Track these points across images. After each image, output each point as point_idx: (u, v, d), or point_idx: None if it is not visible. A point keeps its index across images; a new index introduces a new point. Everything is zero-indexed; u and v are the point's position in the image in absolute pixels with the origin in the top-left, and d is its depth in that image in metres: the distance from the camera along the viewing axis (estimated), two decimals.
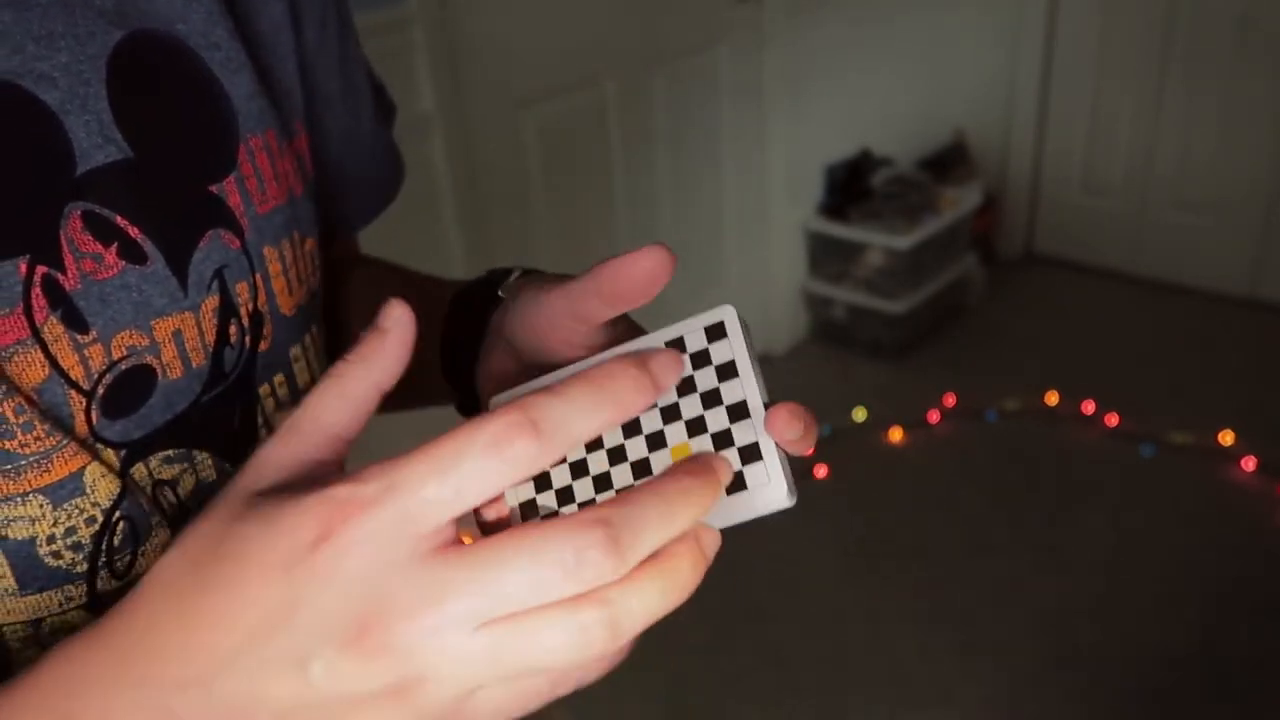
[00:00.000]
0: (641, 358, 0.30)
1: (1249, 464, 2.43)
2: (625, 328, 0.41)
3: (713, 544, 0.31)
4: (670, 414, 0.37)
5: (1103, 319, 3.15)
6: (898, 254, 2.85)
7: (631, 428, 0.37)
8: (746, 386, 0.36)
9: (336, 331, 0.62)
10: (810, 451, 0.35)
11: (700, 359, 0.37)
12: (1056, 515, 2.35)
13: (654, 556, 0.29)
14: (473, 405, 0.51)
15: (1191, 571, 2.16)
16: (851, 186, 2.96)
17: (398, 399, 0.60)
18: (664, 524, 0.29)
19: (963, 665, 1.98)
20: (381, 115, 0.61)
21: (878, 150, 3.06)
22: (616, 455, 0.36)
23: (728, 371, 0.37)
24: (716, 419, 0.36)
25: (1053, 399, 2.70)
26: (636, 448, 0.36)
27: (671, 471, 0.31)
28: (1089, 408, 2.66)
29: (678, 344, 0.38)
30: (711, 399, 0.37)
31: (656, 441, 0.36)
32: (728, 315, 0.37)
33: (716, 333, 0.37)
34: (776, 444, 0.35)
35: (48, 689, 0.31)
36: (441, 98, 1.96)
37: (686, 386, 0.37)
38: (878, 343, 2.93)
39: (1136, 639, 2.01)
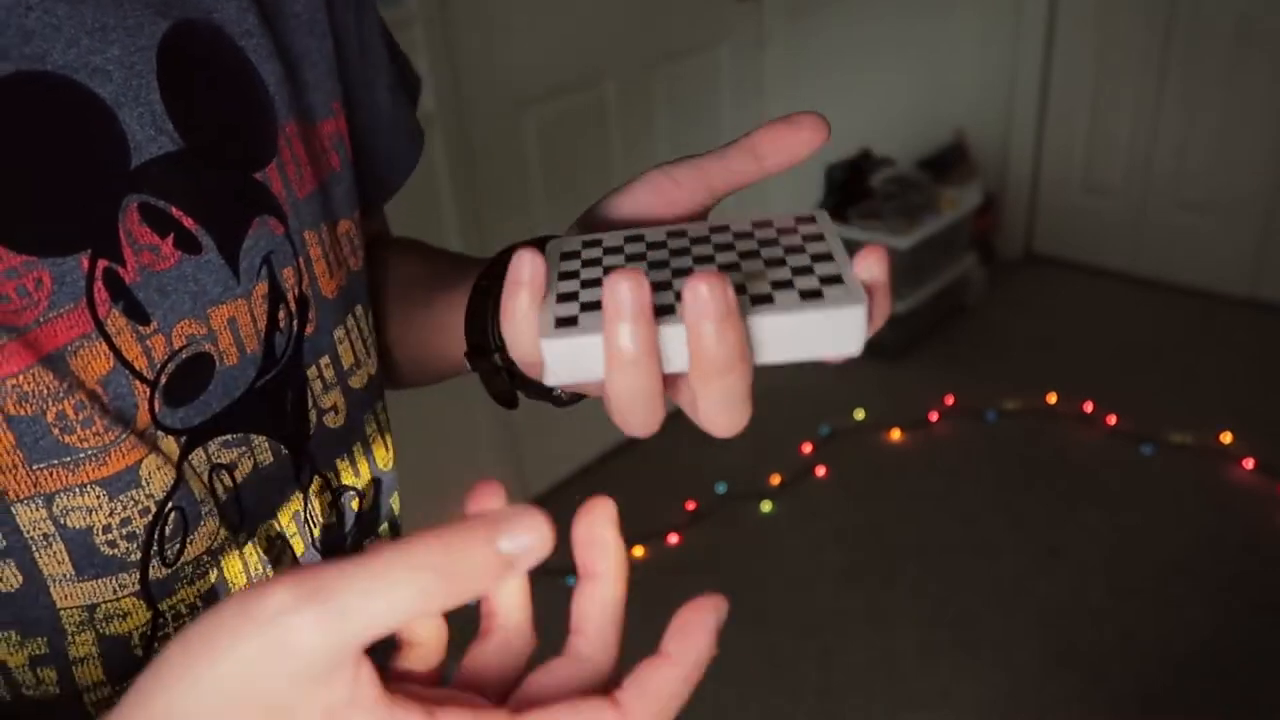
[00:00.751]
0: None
1: (1249, 464, 2.43)
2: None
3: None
4: (749, 254, 0.39)
5: (1103, 319, 3.15)
6: (898, 254, 2.85)
7: (707, 259, 0.38)
8: (833, 245, 0.38)
9: None
10: (883, 317, 0.37)
11: (787, 232, 0.40)
12: (1056, 515, 2.35)
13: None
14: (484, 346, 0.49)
15: (1191, 571, 2.16)
16: (851, 186, 2.95)
17: (428, 364, 0.59)
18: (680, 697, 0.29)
19: (963, 665, 1.98)
20: (403, 89, 0.61)
21: (878, 150, 3.06)
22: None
23: (814, 237, 0.39)
24: (798, 258, 0.38)
25: (1053, 399, 2.70)
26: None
27: (679, 631, 0.30)
28: (1089, 408, 2.66)
29: (765, 223, 0.41)
30: (795, 250, 0.38)
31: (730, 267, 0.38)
32: (819, 214, 0.40)
33: (806, 220, 0.40)
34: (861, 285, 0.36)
35: None
36: (441, 98, 1.96)
37: (770, 244, 0.39)
38: (878, 343, 2.92)
39: (1136, 639, 2.02)
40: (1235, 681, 1.91)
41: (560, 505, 2.51)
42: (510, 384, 0.48)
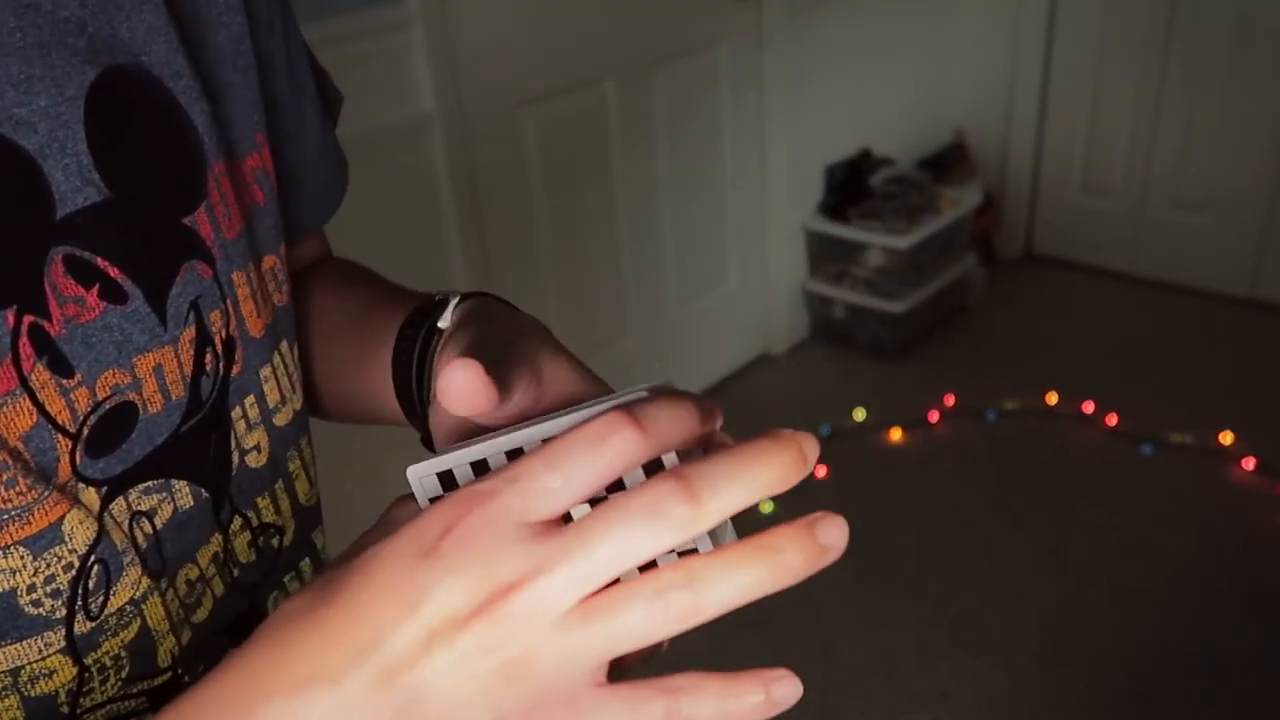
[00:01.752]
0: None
1: (1249, 464, 2.43)
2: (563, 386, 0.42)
3: (836, 536, 0.31)
4: None
5: (1103, 319, 3.15)
6: (898, 254, 2.85)
7: None
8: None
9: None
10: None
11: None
12: (1056, 515, 2.35)
13: (755, 536, 0.30)
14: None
15: (1191, 571, 2.16)
16: (851, 186, 2.95)
17: (357, 415, 0.60)
18: (743, 481, 0.29)
19: (963, 665, 1.98)
20: (326, 109, 0.60)
21: (878, 150, 3.06)
22: None
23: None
24: None
25: (1053, 399, 2.70)
26: None
27: (752, 440, 0.31)
28: (1089, 408, 2.66)
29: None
30: None
31: None
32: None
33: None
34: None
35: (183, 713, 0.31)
36: (441, 98, 1.96)
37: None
38: (878, 343, 2.93)
39: (1136, 639, 2.02)
40: (1235, 681, 1.91)
41: None
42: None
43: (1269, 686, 1.90)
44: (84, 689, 0.43)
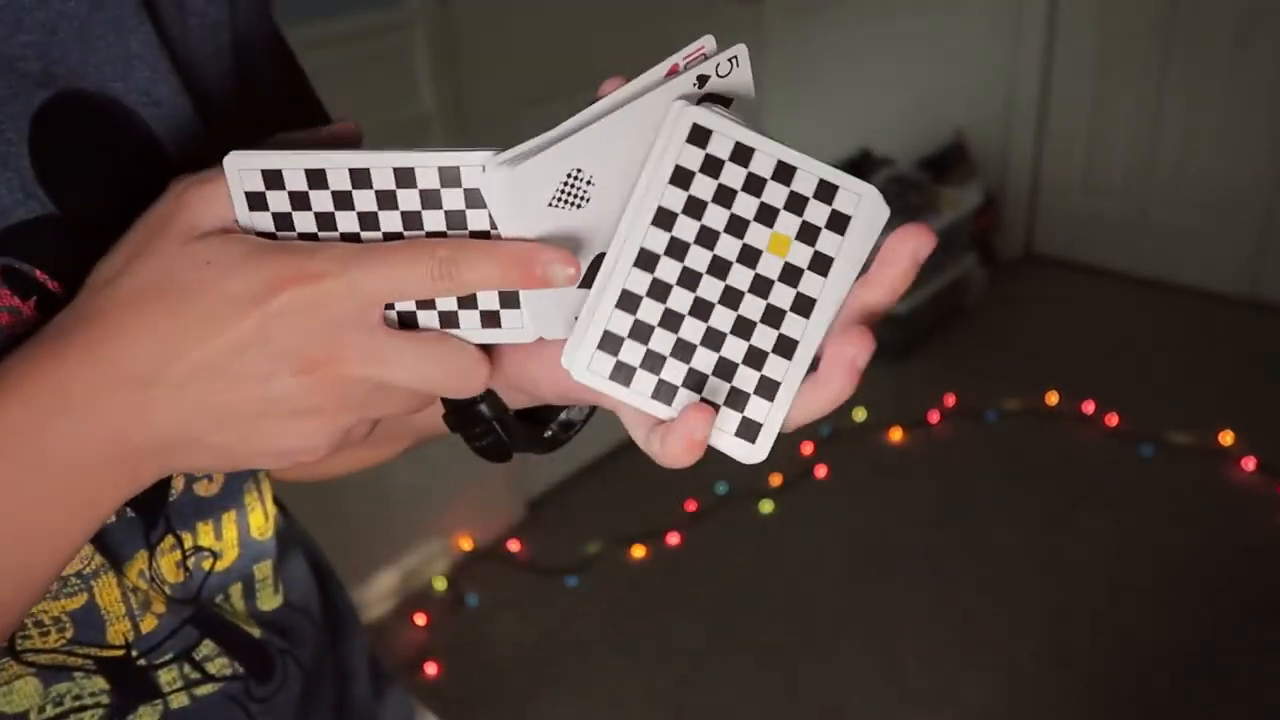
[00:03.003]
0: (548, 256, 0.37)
1: (1249, 464, 2.43)
2: None
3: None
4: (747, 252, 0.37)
5: (1103, 319, 3.15)
6: None
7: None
8: (830, 288, 0.37)
9: None
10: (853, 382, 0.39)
11: (815, 212, 0.37)
12: (1056, 515, 2.35)
13: (517, 245, 0.37)
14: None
15: (1191, 571, 2.16)
16: None
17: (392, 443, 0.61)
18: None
19: (963, 665, 1.98)
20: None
21: (878, 150, 3.06)
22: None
23: (821, 262, 0.38)
24: (780, 295, 0.38)
25: (1053, 399, 2.70)
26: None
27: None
28: (1089, 408, 2.66)
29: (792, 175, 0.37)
30: (790, 275, 0.37)
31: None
32: (870, 197, 0.37)
33: (838, 215, 0.38)
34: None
35: (22, 378, 0.37)
36: (441, 98, 1.96)
37: (789, 222, 0.37)
38: (878, 343, 2.92)
39: (1136, 639, 2.02)
40: (1235, 681, 1.91)
41: (560, 505, 2.52)
42: (503, 438, 0.48)
43: (1269, 686, 1.90)
44: (21, 633, 0.45)
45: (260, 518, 0.56)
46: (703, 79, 0.38)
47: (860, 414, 2.65)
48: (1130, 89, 3.18)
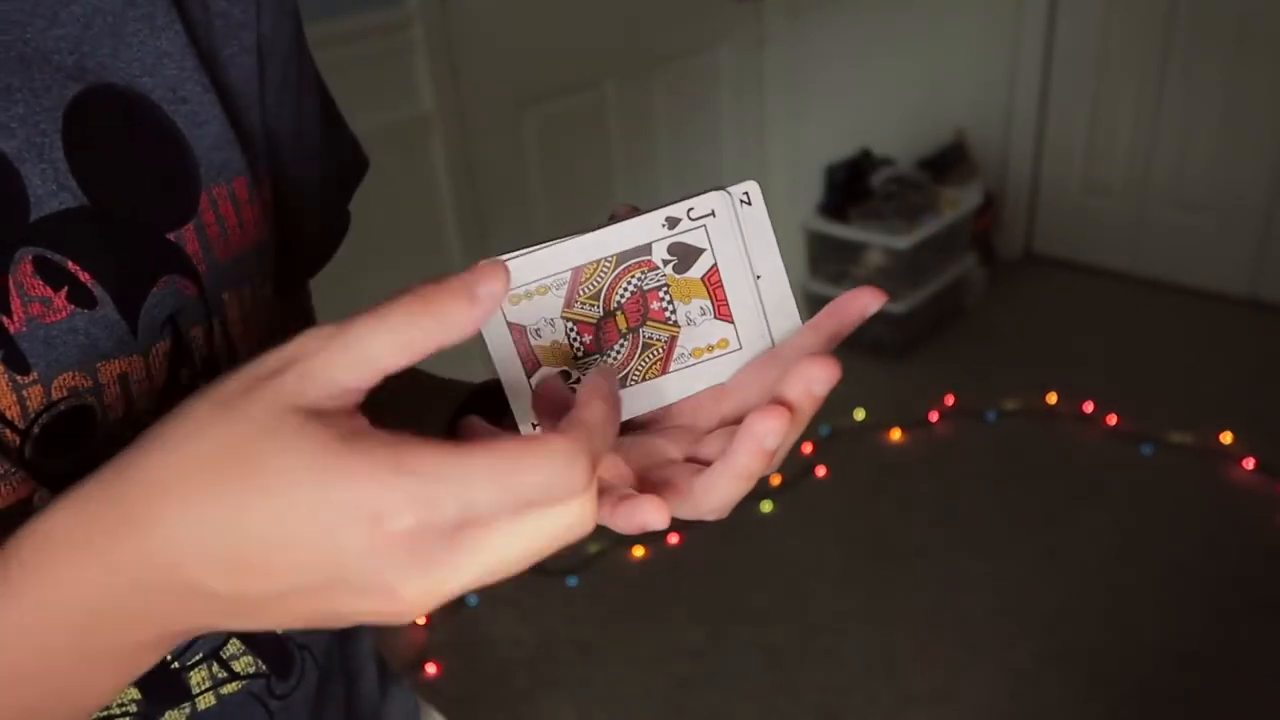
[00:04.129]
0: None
1: (1249, 464, 2.43)
2: None
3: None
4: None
5: (1103, 319, 3.15)
6: (898, 254, 2.85)
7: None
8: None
9: None
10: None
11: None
12: (1056, 515, 2.35)
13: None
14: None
15: (1191, 571, 2.16)
16: (851, 186, 2.95)
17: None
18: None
19: (963, 665, 1.98)
20: (339, 168, 0.60)
21: (878, 150, 3.06)
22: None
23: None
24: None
25: (1053, 399, 2.70)
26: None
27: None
28: (1089, 408, 2.66)
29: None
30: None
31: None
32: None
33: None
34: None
35: (66, 539, 0.33)
36: (441, 98, 1.96)
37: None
38: (878, 343, 2.93)
39: (1136, 639, 2.02)
40: (1235, 681, 1.91)
41: None
42: None
43: (1269, 686, 1.90)
44: None
45: None
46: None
47: (860, 414, 2.65)
48: (1130, 89, 3.18)
